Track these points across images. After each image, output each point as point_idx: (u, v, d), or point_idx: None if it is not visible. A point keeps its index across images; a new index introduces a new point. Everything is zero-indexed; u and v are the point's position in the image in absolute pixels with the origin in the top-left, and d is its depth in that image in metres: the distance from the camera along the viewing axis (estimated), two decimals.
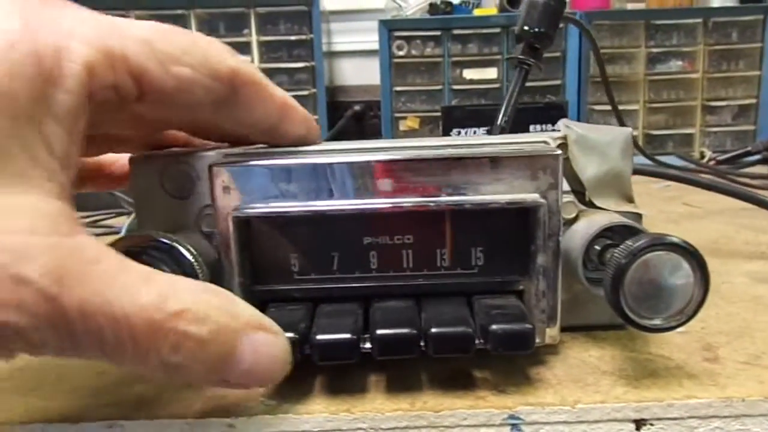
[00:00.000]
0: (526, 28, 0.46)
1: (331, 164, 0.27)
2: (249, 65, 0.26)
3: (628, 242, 0.25)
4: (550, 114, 1.22)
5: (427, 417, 0.25)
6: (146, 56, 0.22)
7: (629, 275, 0.24)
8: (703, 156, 1.29)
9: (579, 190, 0.31)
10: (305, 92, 1.96)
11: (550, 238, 0.27)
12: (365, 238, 0.29)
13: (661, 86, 1.91)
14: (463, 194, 0.27)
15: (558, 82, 1.89)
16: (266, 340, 0.22)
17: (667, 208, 0.71)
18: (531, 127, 1.20)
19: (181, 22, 1.95)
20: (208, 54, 0.24)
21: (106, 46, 0.21)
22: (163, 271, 0.25)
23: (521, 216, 0.28)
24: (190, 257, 0.26)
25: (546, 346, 0.29)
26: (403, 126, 1.92)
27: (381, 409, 0.25)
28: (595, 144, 0.31)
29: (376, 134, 1.94)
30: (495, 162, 0.27)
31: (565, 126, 0.31)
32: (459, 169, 0.27)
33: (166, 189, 0.30)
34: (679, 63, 1.91)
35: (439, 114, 1.79)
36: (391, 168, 0.27)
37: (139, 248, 0.25)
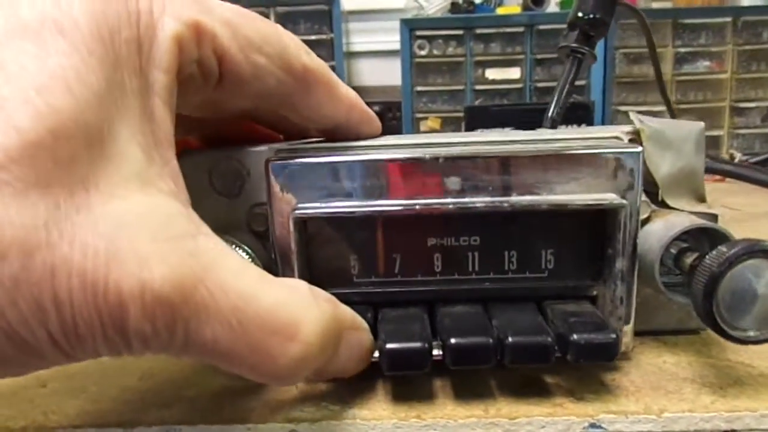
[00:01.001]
0: (580, 14, 0.44)
1: (394, 160, 0.26)
2: (322, 64, 0.26)
3: (722, 248, 0.23)
4: (577, 114, 1.20)
5: (503, 425, 0.23)
6: (229, 39, 0.21)
7: (723, 284, 0.23)
8: (733, 158, 1.26)
9: (650, 190, 0.30)
10: None
11: (629, 241, 0.26)
12: (429, 240, 0.27)
13: (689, 87, 1.89)
14: (536, 194, 0.26)
15: (583, 82, 1.87)
16: (359, 338, 0.23)
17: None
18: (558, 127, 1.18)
19: None
20: (286, 47, 0.24)
21: (195, 21, 0.20)
22: None
23: (597, 217, 0.27)
24: (247, 258, 0.25)
25: None
26: (424, 127, 1.91)
27: (453, 416, 0.24)
28: (671, 140, 0.29)
29: None
30: (572, 159, 0.26)
31: (638, 120, 0.29)
32: (532, 166, 0.26)
33: (215, 186, 0.29)
34: (707, 63, 1.88)
35: (460, 114, 1.78)
36: (460, 165, 0.26)
37: None
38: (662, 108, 1.88)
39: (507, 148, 0.26)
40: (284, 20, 1.93)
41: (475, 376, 0.27)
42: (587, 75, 1.85)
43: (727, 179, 0.75)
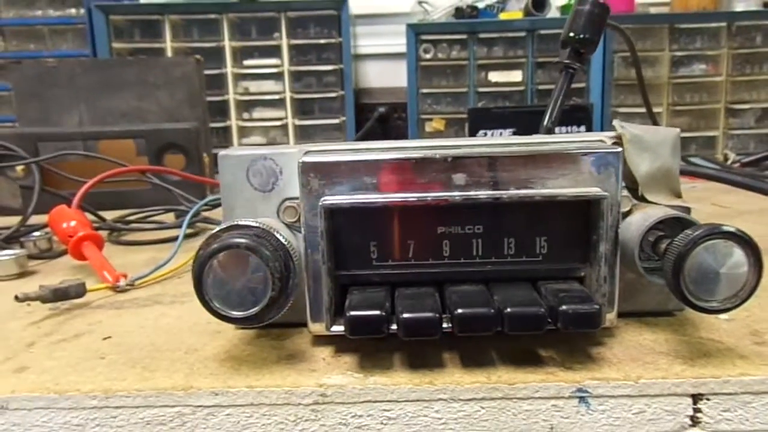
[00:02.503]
0: (571, 34, 0.49)
1: (409, 159, 0.30)
2: None
3: (688, 231, 0.27)
4: (576, 116, 1.24)
5: (503, 389, 0.27)
6: None
7: (689, 261, 0.27)
8: (726, 158, 1.30)
9: (631, 187, 0.33)
10: (333, 94, 2.02)
11: (610, 228, 0.30)
12: (439, 228, 0.31)
13: (685, 89, 1.94)
14: (530, 188, 0.30)
15: (582, 85, 1.91)
16: None
17: (697, 208, 0.73)
18: (557, 129, 1.22)
19: (215, 26, 2.01)
20: None
21: None
22: (264, 255, 0.28)
23: (583, 208, 0.31)
24: (284, 242, 0.29)
25: (604, 329, 0.31)
26: (428, 127, 1.96)
27: (460, 382, 0.28)
28: (649, 143, 0.33)
29: (401, 136, 1.97)
30: (562, 158, 0.30)
31: (620, 126, 0.33)
32: (528, 165, 0.30)
33: (251, 183, 0.33)
34: (703, 66, 1.93)
35: (464, 116, 1.82)
36: (465, 164, 0.30)
37: (243, 233, 0.28)
38: (659, 110, 1.92)
39: (505, 150, 0.30)
40: (295, 24, 1.99)
41: (479, 349, 0.30)
42: (587, 78, 1.90)
43: None
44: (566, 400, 0.27)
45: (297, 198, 0.31)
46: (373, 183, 0.30)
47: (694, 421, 0.27)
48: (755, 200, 0.71)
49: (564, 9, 2.03)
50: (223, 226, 0.29)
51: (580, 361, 0.29)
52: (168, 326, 0.36)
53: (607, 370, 0.28)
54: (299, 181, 0.30)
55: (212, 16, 1.98)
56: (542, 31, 1.97)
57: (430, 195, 0.30)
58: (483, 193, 0.30)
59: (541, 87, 1.98)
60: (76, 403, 0.28)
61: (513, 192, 0.30)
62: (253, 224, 0.29)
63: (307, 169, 0.30)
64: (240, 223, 0.29)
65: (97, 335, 0.35)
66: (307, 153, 0.31)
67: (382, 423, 0.28)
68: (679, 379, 0.27)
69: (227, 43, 2.01)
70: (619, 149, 0.30)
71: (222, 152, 0.33)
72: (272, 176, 0.32)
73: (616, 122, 0.34)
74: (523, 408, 0.27)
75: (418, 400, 0.28)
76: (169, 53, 2.00)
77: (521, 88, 1.95)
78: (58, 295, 0.39)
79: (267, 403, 0.28)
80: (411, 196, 0.30)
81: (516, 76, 1.95)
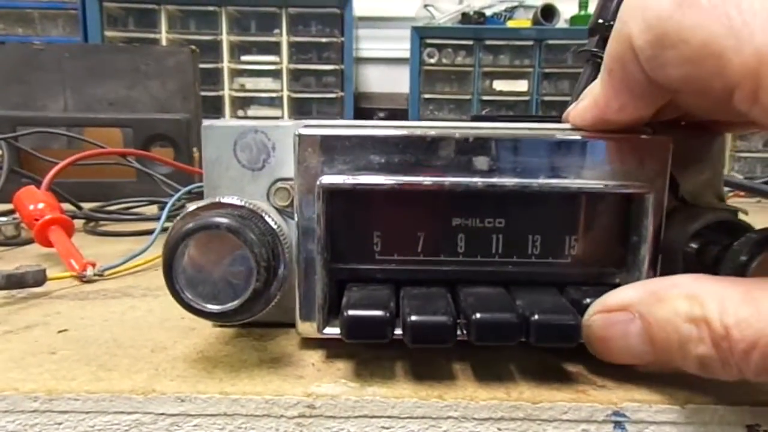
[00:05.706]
0: (600, 21, 0.45)
1: (424, 137, 0.26)
2: None
3: (751, 235, 0.23)
4: None
5: (525, 408, 0.23)
6: None
7: (752, 270, 0.22)
8: None
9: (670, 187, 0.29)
10: (333, 95, 1.98)
11: (653, 229, 0.26)
12: (454, 219, 0.27)
13: None
14: (565, 177, 0.25)
15: None
16: None
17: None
18: None
19: (212, 18, 1.96)
20: None
21: None
22: (249, 238, 0.23)
23: (621, 204, 0.26)
24: (274, 226, 0.25)
25: None
26: None
27: (475, 397, 0.23)
28: (692, 143, 0.29)
29: None
30: (602, 146, 0.25)
31: None
32: (562, 150, 0.25)
33: (239, 159, 0.28)
34: None
35: None
36: (489, 145, 0.25)
37: (225, 212, 0.24)
38: None
39: (537, 133, 0.26)
40: (296, 22, 1.94)
41: (495, 361, 0.26)
42: None
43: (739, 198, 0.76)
44: (599, 424, 0.23)
45: (291, 179, 0.27)
46: (381, 162, 0.26)
47: None
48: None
49: (573, 20, 1.99)
50: (202, 203, 0.25)
51: (615, 378, 0.25)
52: (135, 320, 0.32)
53: (647, 391, 0.24)
54: (294, 156, 0.26)
55: (211, 8, 1.93)
56: (550, 41, 1.93)
57: (448, 179, 0.26)
58: (510, 181, 0.25)
59: (546, 98, 1.94)
60: (13, 405, 0.23)
61: (545, 181, 0.25)
62: (238, 203, 0.25)
63: (304, 142, 0.26)
64: (222, 200, 0.25)
65: (52, 328, 0.30)
66: (305, 126, 0.27)
67: None
68: (732, 405, 0.23)
69: (225, 37, 1.95)
70: (669, 138, 0.26)
71: (206, 122, 0.29)
72: (263, 152, 0.28)
73: None
74: None
75: (424, 417, 0.23)
76: (164, 44, 1.95)
77: (526, 98, 1.91)
78: (12, 281, 0.34)
79: (243, 413, 0.23)
80: (425, 180, 0.26)
81: (522, 85, 1.91)
